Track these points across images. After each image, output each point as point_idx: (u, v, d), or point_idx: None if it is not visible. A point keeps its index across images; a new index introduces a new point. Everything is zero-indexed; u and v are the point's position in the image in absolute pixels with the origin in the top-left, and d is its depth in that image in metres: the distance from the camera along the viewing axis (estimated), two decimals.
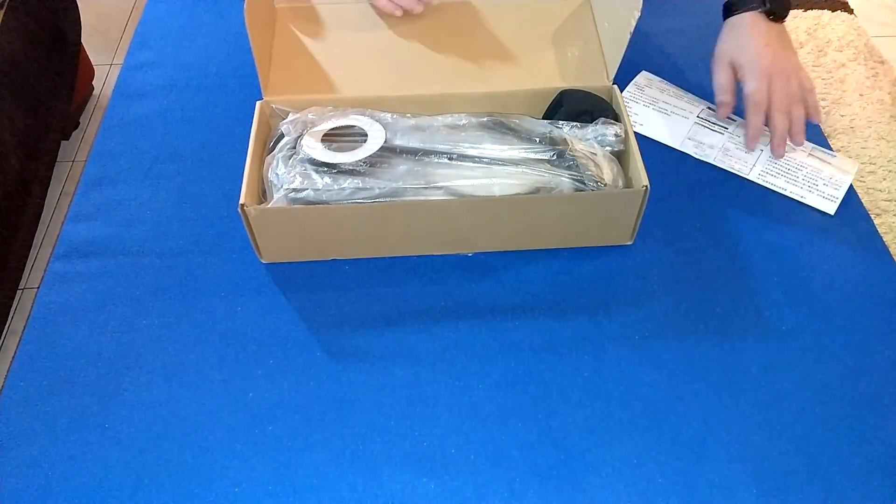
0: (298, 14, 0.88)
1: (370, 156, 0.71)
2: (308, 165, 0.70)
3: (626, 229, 0.75)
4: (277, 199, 0.69)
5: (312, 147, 0.71)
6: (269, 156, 0.72)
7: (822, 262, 0.75)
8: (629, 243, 0.77)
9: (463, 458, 0.62)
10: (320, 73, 0.82)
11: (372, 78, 0.82)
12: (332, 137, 0.73)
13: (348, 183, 0.69)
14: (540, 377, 0.67)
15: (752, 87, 0.80)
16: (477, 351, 0.69)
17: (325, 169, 0.70)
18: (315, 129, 0.73)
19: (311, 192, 0.69)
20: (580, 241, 0.76)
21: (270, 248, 0.74)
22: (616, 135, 0.74)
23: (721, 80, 0.83)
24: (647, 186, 0.69)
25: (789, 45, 0.83)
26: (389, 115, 0.75)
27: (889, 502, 0.60)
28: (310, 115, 0.75)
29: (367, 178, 0.70)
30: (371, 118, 0.74)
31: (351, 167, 0.70)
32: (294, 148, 0.72)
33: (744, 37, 0.82)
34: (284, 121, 0.74)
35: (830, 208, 0.79)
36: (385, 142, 0.72)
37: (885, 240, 0.77)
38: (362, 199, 0.70)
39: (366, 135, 0.73)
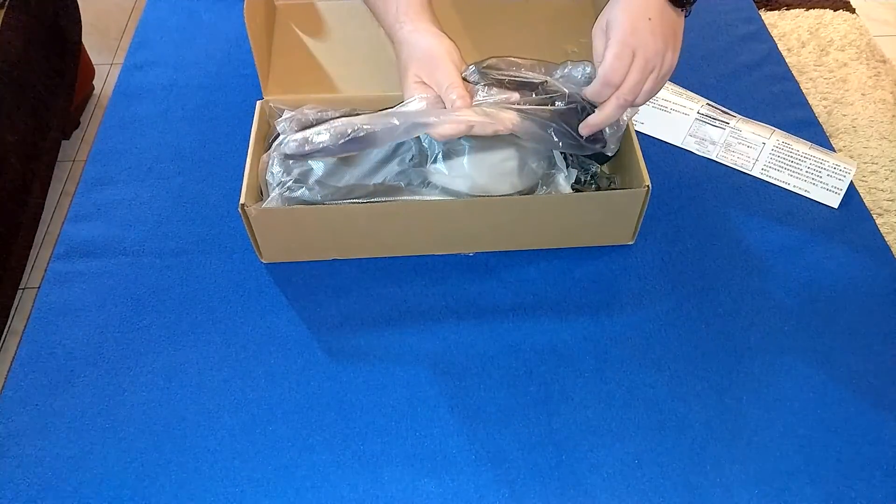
0: (299, 12, 0.88)
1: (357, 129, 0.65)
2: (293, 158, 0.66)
3: (627, 229, 0.75)
4: (272, 198, 0.69)
5: (294, 139, 0.66)
6: (265, 154, 0.72)
7: (824, 261, 0.75)
8: (630, 243, 0.76)
9: (464, 458, 0.62)
10: (321, 71, 0.82)
11: (373, 76, 0.81)
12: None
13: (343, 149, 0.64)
14: (541, 378, 0.67)
15: (608, 63, 0.65)
16: (478, 351, 0.69)
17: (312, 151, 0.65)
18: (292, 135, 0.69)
19: (307, 192, 0.69)
20: (581, 241, 0.76)
21: (270, 248, 0.74)
22: (584, 75, 0.69)
23: (598, 49, 0.68)
24: (648, 186, 0.69)
25: (673, 36, 0.68)
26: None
27: (889, 502, 0.60)
28: (306, 112, 0.74)
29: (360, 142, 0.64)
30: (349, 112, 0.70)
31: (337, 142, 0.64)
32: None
33: (627, 4, 0.67)
34: (280, 119, 0.74)
35: (834, 201, 0.79)
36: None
37: (887, 240, 0.77)
38: (357, 196, 0.69)
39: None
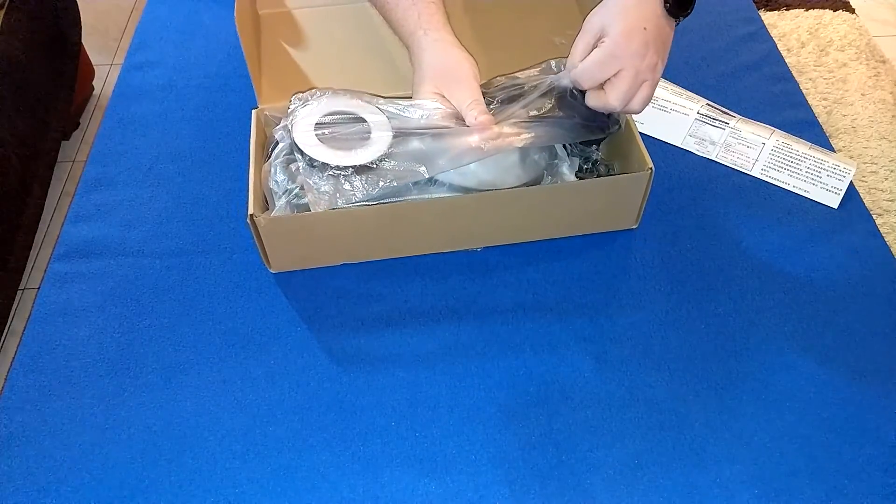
0: (282, 20, 0.88)
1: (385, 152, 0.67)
2: (317, 170, 0.66)
3: (631, 213, 0.75)
4: (280, 206, 0.68)
5: (309, 144, 0.67)
6: (266, 163, 0.72)
7: (824, 261, 0.75)
8: (634, 227, 0.77)
9: (464, 458, 0.62)
10: (312, 77, 0.83)
11: (364, 79, 0.81)
12: (327, 128, 0.68)
13: (362, 180, 0.66)
14: (541, 378, 0.67)
15: (585, 65, 0.67)
16: (478, 351, 0.69)
17: (341, 171, 0.66)
18: (300, 119, 0.68)
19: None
20: (588, 228, 0.76)
21: (280, 257, 0.73)
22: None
23: (578, 47, 0.69)
24: (651, 169, 0.69)
25: (663, 46, 0.68)
26: (370, 102, 0.71)
27: (889, 502, 0.60)
28: (291, 106, 0.72)
29: (384, 171, 0.67)
30: (360, 100, 0.71)
31: (372, 164, 0.66)
32: (291, 154, 0.70)
33: (625, 9, 0.66)
34: (277, 127, 0.74)
35: (834, 201, 0.79)
36: (392, 133, 0.68)
37: (886, 240, 0.77)
38: (366, 198, 0.69)
39: (363, 120, 0.69)
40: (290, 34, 0.88)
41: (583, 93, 0.70)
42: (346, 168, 0.66)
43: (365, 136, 0.68)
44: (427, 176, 0.67)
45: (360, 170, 0.66)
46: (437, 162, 0.67)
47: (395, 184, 0.66)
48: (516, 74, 0.73)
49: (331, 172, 0.66)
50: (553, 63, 0.72)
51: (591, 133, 0.72)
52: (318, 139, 0.67)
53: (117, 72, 1.02)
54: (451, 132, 0.67)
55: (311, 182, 0.66)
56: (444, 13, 0.73)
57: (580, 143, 0.76)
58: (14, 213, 1.42)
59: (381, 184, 0.66)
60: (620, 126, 0.73)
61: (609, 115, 0.72)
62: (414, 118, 0.69)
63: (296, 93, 0.72)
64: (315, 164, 0.66)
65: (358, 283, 0.73)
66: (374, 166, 0.66)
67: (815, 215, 0.79)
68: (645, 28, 0.65)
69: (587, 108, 0.70)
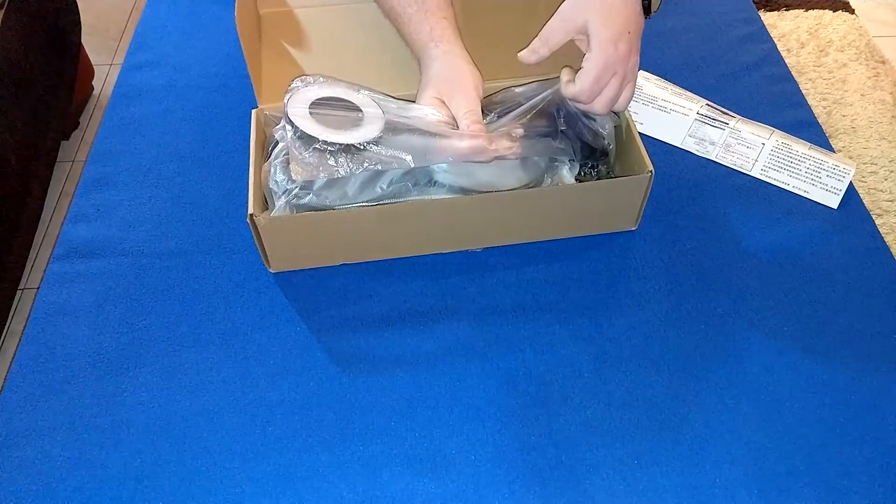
0: (283, 19, 0.88)
1: (376, 136, 0.67)
2: (309, 146, 0.66)
3: (631, 215, 0.76)
4: (279, 206, 0.68)
5: (301, 116, 0.67)
6: (266, 163, 0.72)
7: (823, 262, 0.75)
8: (634, 229, 0.77)
9: (463, 458, 0.62)
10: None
11: (365, 79, 0.81)
12: (322, 109, 0.69)
13: (353, 161, 0.67)
14: (540, 378, 0.67)
15: (586, 86, 0.67)
16: (477, 351, 0.69)
17: (333, 147, 0.66)
18: (297, 96, 0.69)
19: (314, 198, 0.69)
20: (588, 229, 0.76)
21: (279, 258, 0.73)
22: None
23: (556, 36, 0.69)
24: (651, 172, 0.69)
25: (638, 42, 0.69)
26: (366, 93, 0.72)
27: (889, 502, 0.60)
28: (293, 85, 0.72)
29: (370, 154, 0.67)
30: (360, 92, 0.72)
31: (359, 145, 0.67)
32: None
33: (610, 10, 0.66)
34: (277, 127, 0.74)
35: (834, 202, 0.79)
36: (384, 123, 0.69)
37: (886, 240, 0.77)
38: (366, 199, 0.69)
39: (358, 108, 0.70)
40: (291, 33, 0.88)
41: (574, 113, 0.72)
42: (332, 144, 0.66)
43: (357, 121, 0.68)
44: (413, 165, 0.67)
45: (347, 149, 0.66)
46: (425, 155, 0.67)
47: (380, 167, 0.67)
48: (515, 90, 0.74)
49: (317, 146, 0.66)
50: (550, 81, 0.73)
51: (577, 155, 0.73)
52: (311, 115, 0.68)
53: (117, 72, 1.02)
54: (442, 132, 0.68)
55: (295, 151, 0.67)
56: (455, 28, 0.74)
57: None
58: (13, 212, 1.42)
59: (365, 164, 0.66)
60: (608, 153, 0.75)
61: (597, 146, 0.73)
62: (409, 116, 0.69)
63: (299, 76, 0.72)
64: (303, 136, 0.67)
65: (358, 283, 0.73)
66: (362, 148, 0.67)
67: (815, 215, 0.79)
68: (629, 32, 0.67)
69: (577, 130, 0.71)
